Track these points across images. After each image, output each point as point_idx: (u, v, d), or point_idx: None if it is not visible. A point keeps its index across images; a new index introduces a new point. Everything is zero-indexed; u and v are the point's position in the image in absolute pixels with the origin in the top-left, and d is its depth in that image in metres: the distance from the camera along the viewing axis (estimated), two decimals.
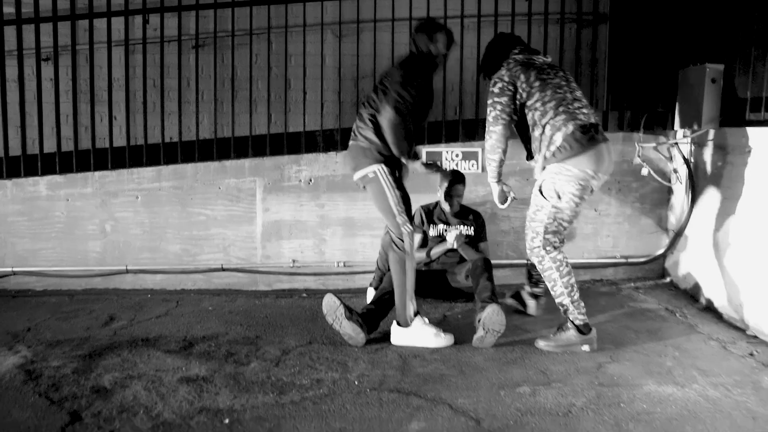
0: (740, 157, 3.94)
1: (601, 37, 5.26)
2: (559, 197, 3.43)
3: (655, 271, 4.96)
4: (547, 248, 3.51)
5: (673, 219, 4.83)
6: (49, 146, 4.76)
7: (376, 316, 3.70)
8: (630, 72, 4.93)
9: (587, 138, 3.36)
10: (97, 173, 4.66)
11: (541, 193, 3.50)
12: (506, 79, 3.50)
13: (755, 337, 3.68)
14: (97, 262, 4.73)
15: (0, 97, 4.71)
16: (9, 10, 4.71)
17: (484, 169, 4.77)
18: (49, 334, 3.74)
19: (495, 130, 3.51)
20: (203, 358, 3.37)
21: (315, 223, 4.79)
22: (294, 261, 4.81)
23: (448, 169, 4.54)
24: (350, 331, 3.51)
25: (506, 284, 4.62)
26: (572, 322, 3.50)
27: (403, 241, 3.51)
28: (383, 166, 3.49)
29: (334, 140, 4.84)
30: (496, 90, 3.52)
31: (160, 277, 4.75)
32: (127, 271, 4.71)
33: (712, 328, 3.87)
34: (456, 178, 4.35)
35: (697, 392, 2.94)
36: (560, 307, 3.54)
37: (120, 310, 4.22)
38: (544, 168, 3.49)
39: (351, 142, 3.61)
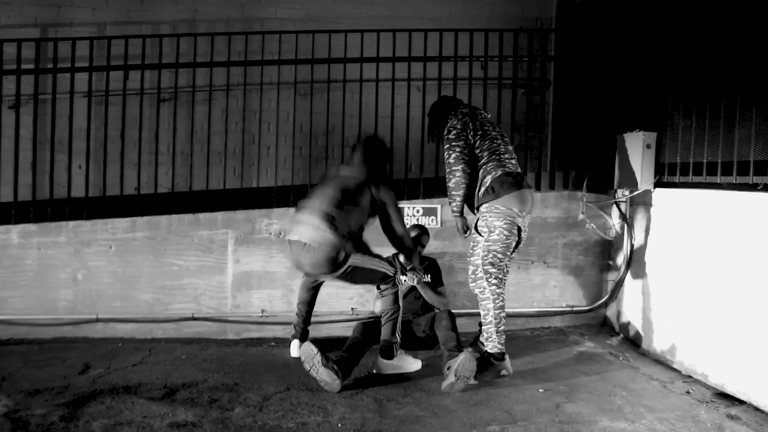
0: (671, 214, 4.46)
1: (549, 102, 5.81)
2: (491, 232, 3.96)
3: (597, 319, 5.39)
4: (490, 280, 3.96)
5: (614, 270, 5.30)
6: (24, 195, 4.83)
7: (349, 363, 3.92)
8: (574, 136, 5.46)
9: (512, 182, 3.95)
10: (71, 223, 4.75)
11: (477, 230, 4.05)
12: (459, 126, 4.06)
13: (689, 376, 4.12)
14: (67, 311, 4.77)
15: None
16: None
17: (442, 224, 5.14)
18: (26, 383, 3.77)
19: (458, 169, 4.01)
20: (187, 404, 3.49)
21: (284, 274, 5.00)
22: (263, 311, 4.98)
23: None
24: (326, 377, 3.71)
25: (464, 332, 4.88)
26: (488, 351, 3.96)
27: None
28: None
29: (305, 195, 5.09)
30: (452, 136, 4.06)
31: (131, 326, 4.81)
32: (98, 320, 4.76)
33: (652, 370, 4.27)
34: (425, 230, 4.70)
35: (646, 427, 3.30)
36: (482, 333, 4.02)
37: (94, 359, 4.28)
38: (477, 209, 4.05)
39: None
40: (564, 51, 5.83)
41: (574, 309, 5.35)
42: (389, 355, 4.04)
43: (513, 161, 4.12)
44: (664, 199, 4.59)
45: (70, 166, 4.93)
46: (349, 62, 5.22)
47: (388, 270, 3.99)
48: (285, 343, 4.67)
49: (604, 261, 5.37)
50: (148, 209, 4.89)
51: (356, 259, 3.81)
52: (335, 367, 3.74)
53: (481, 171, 4.04)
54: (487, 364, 3.96)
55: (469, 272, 4.18)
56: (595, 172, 5.25)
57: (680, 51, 4.45)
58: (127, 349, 4.54)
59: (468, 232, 4.25)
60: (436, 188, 5.21)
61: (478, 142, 4.06)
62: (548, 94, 5.98)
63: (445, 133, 4.11)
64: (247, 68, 5.29)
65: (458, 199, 4.07)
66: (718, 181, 4.02)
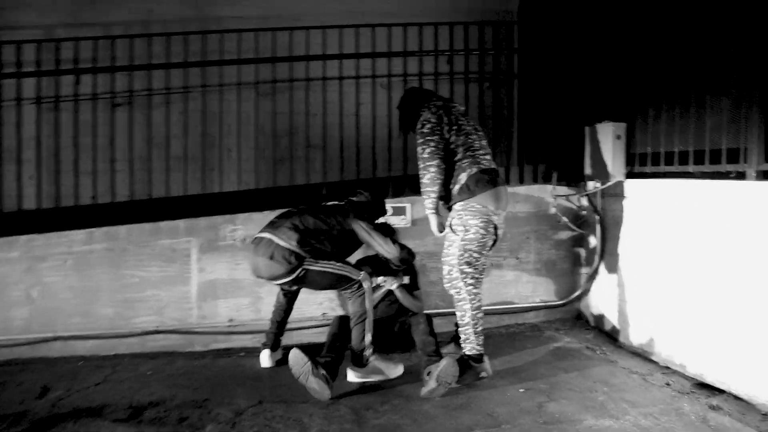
0: (644, 205, 4.43)
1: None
2: (467, 230, 3.83)
3: (572, 312, 5.34)
4: (466, 281, 3.84)
5: (587, 263, 5.26)
6: None
7: (336, 365, 3.80)
8: (541, 128, 5.40)
9: (487, 180, 3.84)
10: (23, 237, 4.48)
11: (452, 229, 3.91)
12: (433, 120, 3.90)
13: (668, 367, 4.08)
14: (22, 330, 4.49)
15: None
16: None
17: (413, 222, 5.02)
18: None
19: (433, 164, 3.85)
20: (155, 424, 3.31)
21: (251, 281, 4.78)
22: (230, 320, 4.79)
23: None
24: (316, 386, 3.57)
25: (438, 332, 4.79)
26: (466, 353, 3.86)
27: None
28: None
29: (269, 198, 4.93)
30: (426, 130, 3.89)
31: (91, 342, 4.57)
32: (56, 338, 4.51)
33: (631, 363, 4.23)
34: (392, 230, 4.58)
35: (631, 423, 3.24)
36: (460, 335, 3.91)
37: (53, 380, 4.03)
38: (451, 207, 3.93)
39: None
40: (528, 43, 5.77)
41: (548, 304, 5.30)
42: (360, 362, 3.92)
43: (488, 157, 4.01)
44: (636, 189, 4.55)
45: (20, 176, 4.69)
46: (312, 60, 5.09)
47: (350, 273, 3.88)
48: (254, 352, 4.50)
49: (577, 254, 5.33)
50: (105, 219, 4.65)
51: (311, 263, 3.77)
52: (325, 374, 3.62)
53: (456, 167, 3.90)
54: (465, 366, 3.85)
55: (444, 272, 4.00)
56: (564, 165, 5.20)
57: (648, 40, 4.41)
58: (89, 368, 4.30)
59: (444, 232, 4.08)
60: (405, 186, 5.09)
61: (453, 137, 3.91)
62: (514, 88, 5.91)
63: (418, 126, 3.94)
64: (206, 69, 5.11)
65: (433, 195, 3.91)
66: (690, 170, 3.99)
